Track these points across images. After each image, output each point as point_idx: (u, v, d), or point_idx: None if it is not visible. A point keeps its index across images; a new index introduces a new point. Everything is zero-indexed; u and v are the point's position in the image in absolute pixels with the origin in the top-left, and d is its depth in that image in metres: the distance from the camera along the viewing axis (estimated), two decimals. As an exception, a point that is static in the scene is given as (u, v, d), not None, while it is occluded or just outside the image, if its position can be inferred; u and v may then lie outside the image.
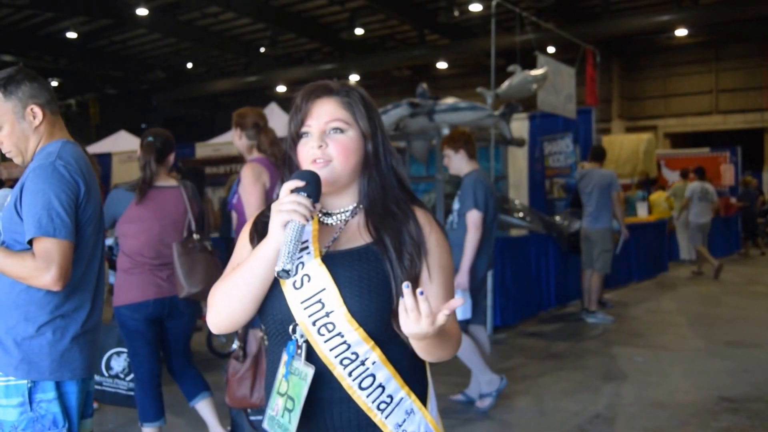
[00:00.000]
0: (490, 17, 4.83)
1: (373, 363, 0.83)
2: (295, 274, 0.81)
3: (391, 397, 0.84)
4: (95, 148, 10.27)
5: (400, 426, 0.84)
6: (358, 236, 0.86)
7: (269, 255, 0.82)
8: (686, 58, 13.16)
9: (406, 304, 0.73)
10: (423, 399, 0.87)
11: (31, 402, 1.23)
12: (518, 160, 5.93)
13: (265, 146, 2.19)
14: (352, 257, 0.84)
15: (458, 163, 2.81)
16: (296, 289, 0.84)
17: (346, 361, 0.82)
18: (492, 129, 4.57)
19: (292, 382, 0.82)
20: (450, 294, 0.87)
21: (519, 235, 4.79)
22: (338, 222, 0.88)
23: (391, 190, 0.88)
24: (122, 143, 9.93)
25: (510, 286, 4.19)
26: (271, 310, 0.86)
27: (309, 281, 0.83)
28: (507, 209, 4.41)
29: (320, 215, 0.89)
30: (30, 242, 1.22)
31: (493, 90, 4.61)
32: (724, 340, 3.90)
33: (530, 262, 4.53)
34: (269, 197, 2.17)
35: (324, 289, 0.82)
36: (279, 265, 0.78)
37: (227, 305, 0.86)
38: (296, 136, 0.89)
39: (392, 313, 0.81)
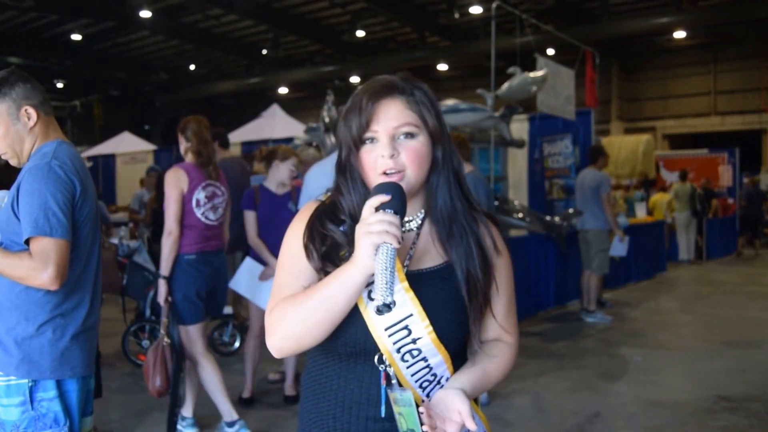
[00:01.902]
0: (490, 19, 4.87)
1: (447, 379, 0.80)
2: (395, 306, 0.71)
3: None
4: (99, 149, 10.33)
5: None
6: (434, 253, 0.80)
7: (357, 283, 0.72)
8: (685, 59, 13.18)
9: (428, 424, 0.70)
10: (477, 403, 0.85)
11: (32, 401, 1.23)
12: (518, 161, 5.96)
13: (195, 146, 2.30)
14: (435, 278, 0.79)
15: None
16: (371, 314, 0.76)
17: (425, 384, 0.79)
18: (492, 130, 4.60)
19: (405, 414, 0.76)
20: (512, 306, 0.87)
21: (518, 236, 4.82)
22: (407, 232, 0.81)
23: (458, 198, 0.80)
24: (126, 144, 10.00)
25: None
26: (345, 334, 0.78)
27: (394, 306, 0.74)
28: (507, 210, 4.44)
29: None
30: (27, 242, 1.23)
31: (494, 91, 4.65)
32: (723, 339, 3.92)
33: (529, 263, 4.56)
34: (188, 201, 2.26)
35: (411, 315, 0.76)
36: (379, 299, 0.68)
37: (300, 331, 0.76)
38: (359, 141, 0.78)
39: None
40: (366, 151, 0.78)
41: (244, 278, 2.77)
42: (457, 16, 10.18)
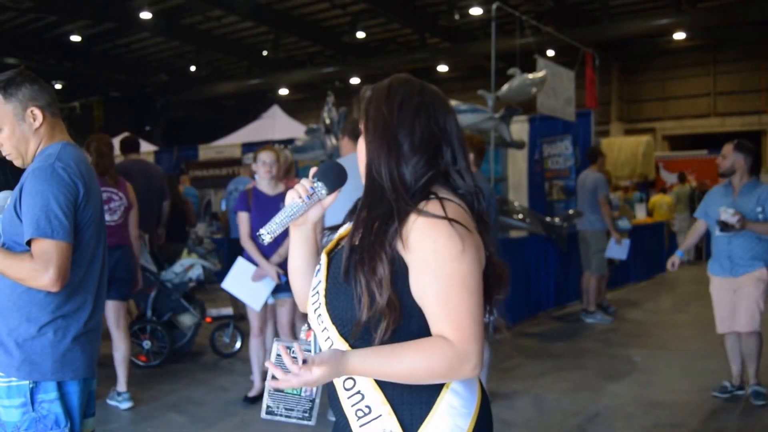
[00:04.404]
0: (490, 21, 4.89)
1: None
2: (269, 242, 0.85)
3: (369, 408, 0.81)
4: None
5: None
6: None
7: (292, 231, 0.93)
8: (684, 61, 13.20)
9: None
10: (413, 424, 0.79)
11: (33, 402, 1.23)
12: (518, 162, 5.97)
13: (94, 160, 2.69)
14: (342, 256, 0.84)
15: None
16: (315, 276, 0.89)
17: None
18: (492, 131, 4.61)
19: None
20: (449, 304, 0.76)
21: (518, 237, 4.83)
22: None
23: (377, 194, 0.81)
24: (125, 146, 9.96)
25: (510, 287, 4.21)
26: None
27: (319, 272, 0.88)
28: (507, 211, 4.45)
29: None
30: (29, 243, 1.23)
31: (494, 93, 4.66)
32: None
33: (530, 264, 4.56)
34: None
35: (320, 282, 0.86)
36: (262, 229, 0.85)
37: (290, 279, 0.97)
38: None
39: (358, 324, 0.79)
40: None
41: (236, 279, 2.77)
42: (457, 17, 10.20)
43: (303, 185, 0.87)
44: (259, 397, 2.83)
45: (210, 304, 3.99)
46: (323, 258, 0.87)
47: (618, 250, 4.58)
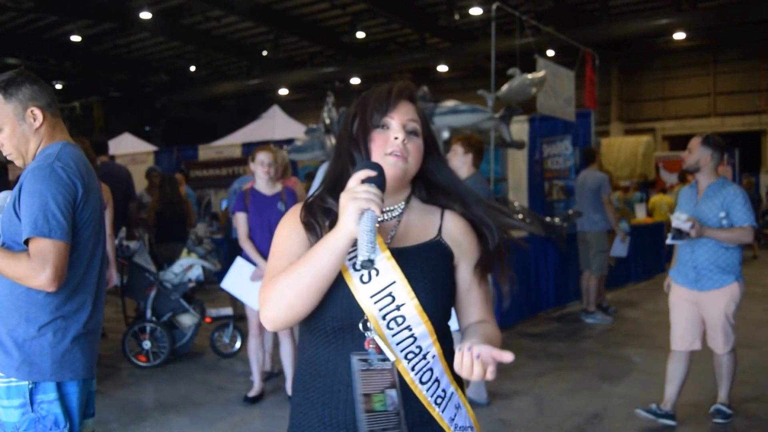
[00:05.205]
0: (490, 21, 4.90)
1: (433, 357, 0.85)
2: (378, 273, 0.81)
3: (444, 391, 0.86)
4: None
5: (452, 420, 0.87)
6: (412, 236, 0.89)
7: (341, 246, 0.79)
8: (684, 61, 13.22)
9: (463, 362, 0.76)
10: (463, 390, 0.90)
11: (32, 403, 1.23)
12: (518, 163, 5.98)
13: None
14: (413, 254, 0.86)
15: (460, 164, 2.84)
16: (364, 283, 0.83)
17: (410, 355, 0.84)
18: (492, 131, 4.62)
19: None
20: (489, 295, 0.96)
21: (518, 237, 4.83)
22: (389, 219, 0.90)
23: (442, 194, 0.93)
24: (126, 146, 9.99)
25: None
26: (332, 307, 0.84)
27: (377, 275, 0.83)
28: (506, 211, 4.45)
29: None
30: (26, 242, 1.23)
31: (494, 93, 4.66)
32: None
33: (529, 264, 4.57)
34: None
35: (394, 282, 0.83)
36: (363, 255, 0.75)
37: (289, 298, 0.82)
38: (371, 126, 0.89)
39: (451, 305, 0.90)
40: (379, 134, 0.89)
41: (235, 279, 2.78)
42: (457, 17, 10.21)
43: (376, 193, 0.77)
44: (258, 398, 2.82)
45: (210, 304, 3.99)
46: (387, 258, 0.83)
47: (622, 247, 4.70)
